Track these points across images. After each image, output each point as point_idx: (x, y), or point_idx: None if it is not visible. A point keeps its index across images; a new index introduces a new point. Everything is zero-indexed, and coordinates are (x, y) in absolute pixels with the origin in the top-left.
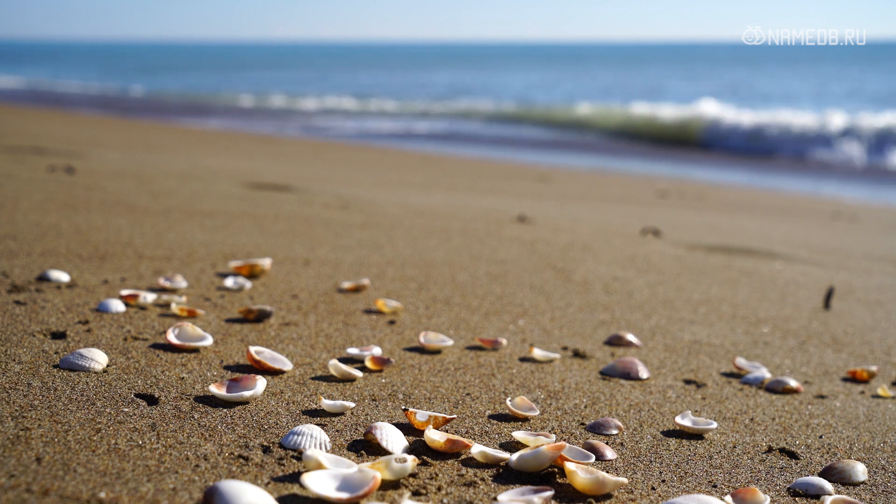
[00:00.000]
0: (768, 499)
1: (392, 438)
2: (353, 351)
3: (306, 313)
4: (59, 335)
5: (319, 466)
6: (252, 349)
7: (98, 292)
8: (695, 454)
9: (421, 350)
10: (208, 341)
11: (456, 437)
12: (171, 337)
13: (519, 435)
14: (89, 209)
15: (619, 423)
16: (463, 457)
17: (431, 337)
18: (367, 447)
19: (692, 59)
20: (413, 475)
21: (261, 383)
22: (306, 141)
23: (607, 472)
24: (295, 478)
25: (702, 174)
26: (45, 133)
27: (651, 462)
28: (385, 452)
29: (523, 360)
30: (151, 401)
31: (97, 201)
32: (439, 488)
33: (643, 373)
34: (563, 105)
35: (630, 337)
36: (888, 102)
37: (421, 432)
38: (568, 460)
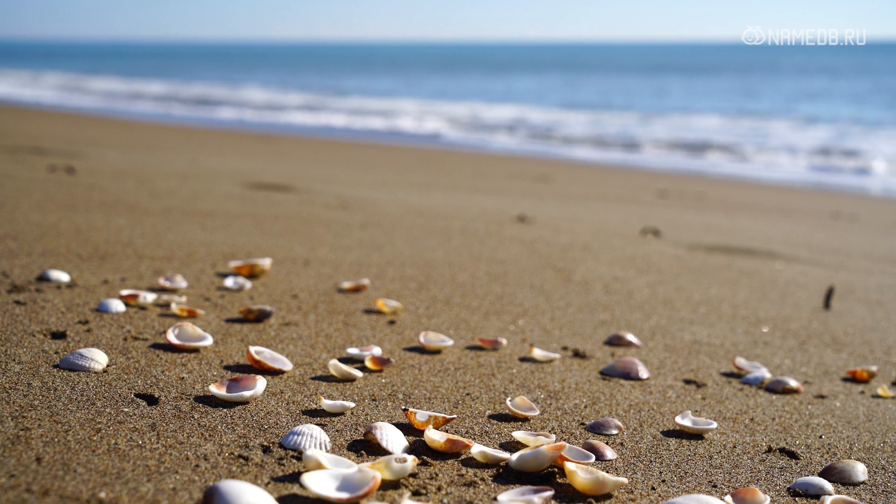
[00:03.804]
0: (768, 499)
1: (392, 438)
2: (353, 351)
3: (306, 313)
4: (59, 335)
5: (319, 466)
6: (252, 349)
7: (98, 292)
8: (695, 454)
9: (421, 350)
10: (208, 341)
11: (456, 437)
12: (171, 337)
13: (519, 435)
14: (89, 209)
15: (619, 423)
16: (463, 457)
17: (431, 337)
18: (367, 447)
19: (663, 63)
20: (413, 475)
21: (261, 383)
22: (306, 140)
23: (607, 472)
24: (295, 478)
25: None
26: (45, 133)
27: (651, 462)
28: (385, 452)
29: (523, 360)
30: (151, 401)
31: (97, 201)
32: (439, 488)
33: (643, 373)
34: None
35: (630, 337)
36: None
37: (421, 432)
38: (568, 460)
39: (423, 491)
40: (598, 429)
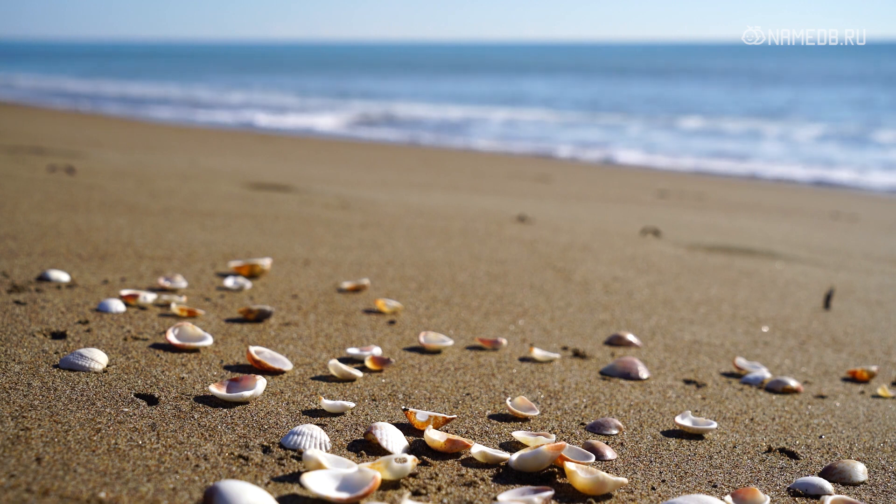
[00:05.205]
0: (768, 499)
1: (392, 438)
2: (353, 351)
3: (306, 313)
4: (59, 335)
5: (319, 466)
6: (252, 349)
7: (98, 292)
8: (695, 454)
9: (421, 350)
10: (208, 341)
11: (456, 437)
12: (171, 337)
13: (519, 435)
14: (89, 209)
15: (619, 423)
16: (463, 457)
17: (431, 337)
18: (367, 447)
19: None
20: (413, 475)
21: (261, 383)
22: (306, 140)
23: (607, 472)
24: (295, 478)
25: None
26: (45, 133)
27: (651, 462)
28: (385, 452)
29: (523, 360)
30: (151, 401)
31: (97, 201)
32: (439, 488)
33: (643, 373)
34: None
35: (630, 337)
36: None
37: (421, 432)
38: (568, 460)
39: (423, 491)
40: (598, 429)
